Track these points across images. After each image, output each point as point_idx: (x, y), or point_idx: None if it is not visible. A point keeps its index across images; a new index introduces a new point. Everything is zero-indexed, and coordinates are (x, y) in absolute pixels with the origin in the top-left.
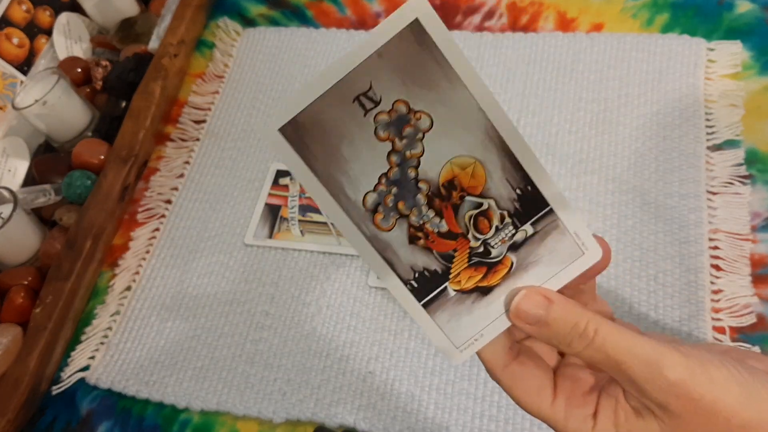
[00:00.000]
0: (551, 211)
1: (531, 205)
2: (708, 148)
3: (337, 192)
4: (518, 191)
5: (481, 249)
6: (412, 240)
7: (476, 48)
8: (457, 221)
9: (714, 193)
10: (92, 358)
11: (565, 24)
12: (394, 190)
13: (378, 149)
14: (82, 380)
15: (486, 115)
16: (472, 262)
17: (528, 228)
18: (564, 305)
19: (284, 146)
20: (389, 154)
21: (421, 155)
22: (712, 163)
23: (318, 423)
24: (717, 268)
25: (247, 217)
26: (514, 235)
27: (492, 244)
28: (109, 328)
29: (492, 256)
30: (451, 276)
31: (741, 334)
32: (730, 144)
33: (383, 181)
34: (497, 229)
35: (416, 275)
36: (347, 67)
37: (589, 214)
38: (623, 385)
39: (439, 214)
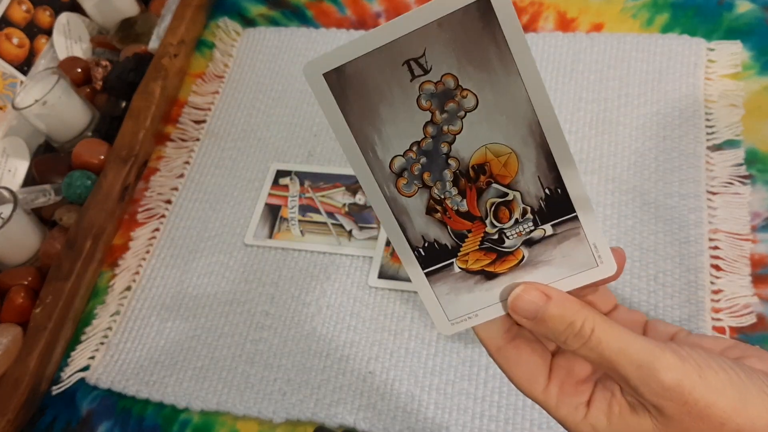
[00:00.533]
0: (575, 218)
1: (556, 207)
2: (708, 148)
3: (366, 147)
4: (547, 191)
5: (496, 236)
6: (430, 211)
7: None
8: (478, 205)
9: (714, 193)
10: (92, 358)
11: (565, 24)
12: (423, 160)
13: (416, 117)
14: (82, 380)
15: (534, 109)
16: (484, 246)
17: (547, 228)
18: (561, 303)
19: (325, 92)
20: (426, 124)
21: (459, 133)
22: (712, 163)
23: (318, 423)
24: (717, 268)
25: (247, 217)
26: (532, 231)
27: (508, 234)
28: (109, 328)
29: (505, 245)
30: (459, 254)
31: (741, 334)
32: (730, 144)
33: (414, 149)
34: (516, 222)
35: (426, 244)
36: (404, 28)
37: None
38: (619, 383)
39: (462, 193)
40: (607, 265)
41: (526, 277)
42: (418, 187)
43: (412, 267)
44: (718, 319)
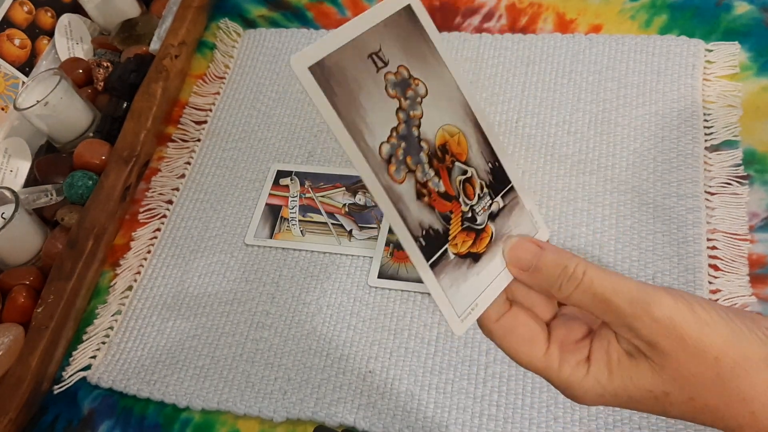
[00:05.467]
0: (513, 188)
1: (500, 179)
2: (706, 148)
3: (358, 138)
4: (490, 165)
5: (470, 214)
6: (419, 196)
7: (476, 49)
8: (451, 184)
9: (712, 194)
10: (94, 357)
11: (563, 25)
12: (403, 144)
13: (389, 104)
14: (83, 379)
15: (463, 93)
16: (464, 226)
17: (499, 200)
18: (554, 250)
19: (314, 85)
20: (397, 110)
21: (421, 117)
22: (710, 163)
23: (318, 422)
24: (715, 268)
25: (247, 217)
26: (490, 205)
27: (476, 210)
28: (111, 328)
29: (477, 222)
30: (449, 237)
31: None
32: (728, 144)
33: (394, 134)
34: (479, 198)
35: (423, 233)
36: (361, 27)
37: (588, 214)
38: (613, 326)
39: (438, 174)
40: (542, 231)
41: (500, 250)
42: (406, 172)
43: (418, 261)
44: None
